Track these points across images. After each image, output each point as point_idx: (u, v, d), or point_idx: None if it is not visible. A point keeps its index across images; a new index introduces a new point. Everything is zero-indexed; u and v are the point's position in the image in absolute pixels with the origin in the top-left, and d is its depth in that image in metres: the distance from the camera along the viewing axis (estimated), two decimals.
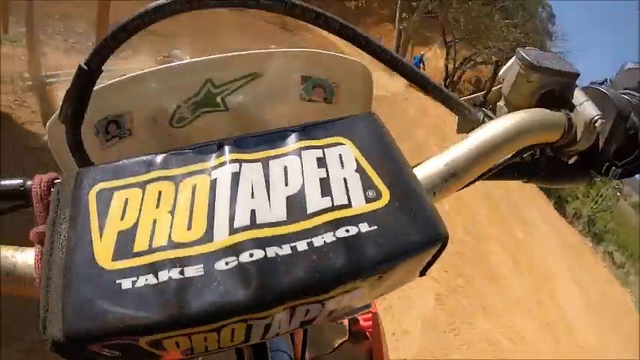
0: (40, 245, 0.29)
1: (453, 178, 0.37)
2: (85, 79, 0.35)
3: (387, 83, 10.69)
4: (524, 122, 0.41)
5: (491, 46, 17.08)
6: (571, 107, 0.45)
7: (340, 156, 0.31)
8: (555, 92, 0.45)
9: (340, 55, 0.50)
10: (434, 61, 19.40)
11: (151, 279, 0.25)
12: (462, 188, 0.41)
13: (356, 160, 0.31)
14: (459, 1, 16.22)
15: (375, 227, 0.27)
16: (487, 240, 5.36)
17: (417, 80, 0.43)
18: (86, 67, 0.35)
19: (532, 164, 0.50)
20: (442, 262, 4.05)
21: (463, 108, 0.46)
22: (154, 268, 0.25)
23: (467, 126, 0.46)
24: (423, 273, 0.33)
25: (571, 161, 0.49)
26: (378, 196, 0.29)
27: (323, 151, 0.31)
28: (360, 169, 0.30)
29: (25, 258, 0.31)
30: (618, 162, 0.47)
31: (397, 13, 17.96)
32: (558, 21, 23.00)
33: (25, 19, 5.12)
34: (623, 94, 0.47)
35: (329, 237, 0.27)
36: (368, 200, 0.28)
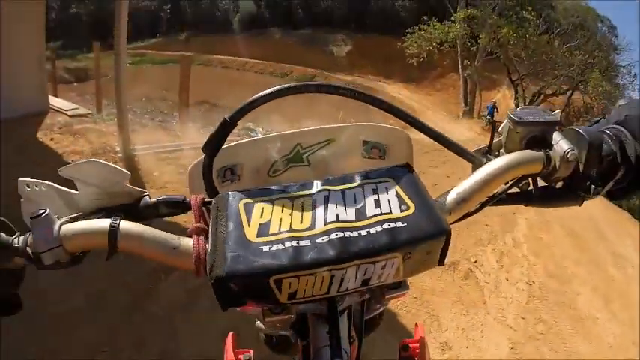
0: (197, 235, 0.50)
1: (463, 202, 0.55)
2: (225, 128, 0.54)
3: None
4: (510, 161, 0.57)
5: (558, 75, 16.61)
6: (550, 146, 0.58)
7: (386, 188, 0.51)
8: (537, 137, 0.59)
9: (390, 126, 0.71)
10: (504, 102, 18.88)
11: (279, 245, 0.44)
12: (476, 212, 0.60)
13: (395, 190, 0.51)
14: (517, 37, 16.06)
15: (406, 224, 0.46)
16: (573, 281, 4.66)
17: (432, 135, 0.62)
18: (229, 120, 0.54)
19: (527, 192, 0.62)
20: (518, 308, 3.73)
21: (471, 155, 0.64)
22: (281, 241, 0.45)
23: (476, 168, 0.61)
24: (441, 262, 0.49)
25: (560, 186, 0.61)
26: (408, 208, 0.48)
27: (376, 186, 0.51)
28: (398, 195, 0.50)
29: (185, 242, 0.50)
30: (601, 183, 0.59)
31: (459, 62, 18.31)
32: (620, 31, 21.49)
33: (116, 101, 5.82)
34: (608, 128, 0.61)
35: (379, 228, 0.46)
36: (402, 210, 0.48)
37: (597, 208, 7.99)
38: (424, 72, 22.57)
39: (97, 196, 0.58)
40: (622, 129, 0.61)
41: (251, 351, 0.69)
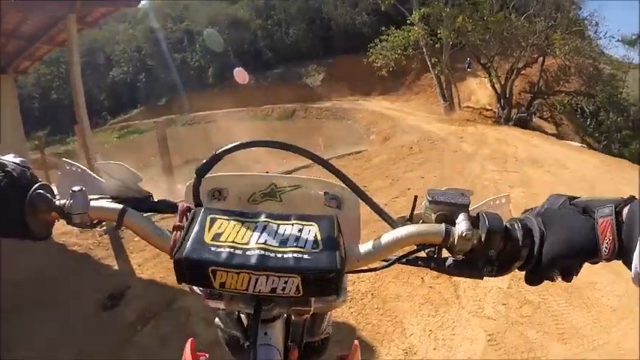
0: (177, 230, 0.70)
1: (370, 254, 0.70)
2: (212, 160, 0.74)
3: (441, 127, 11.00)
4: (415, 229, 0.69)
5: (524, 47, 16.46)
6: (454, 224, 0.68)
7: (309, 230, 0.66)
8: (446, 215, 0.70)
9: (344, 185, 0.84)
10: (481, 88, 19.41)
11: (221, 249, 0.61)
12: (387, 266, 0.74)
13: (315, 233, 0.65)
14: (474, 23, 16.15)
15: (310, 257, 0.61)
16: None
17: (358, 193, 0.77)
18: (217, 154, 0.74)
19: (433, 258, 0.72)
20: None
21: (392, 220, 0.76)
22: (224, 247, 0.61)
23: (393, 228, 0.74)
24: (336, 293, 0.62)
25: (461, 259, 0.69)
26: (317, 247, 0.63)
27: (302, 227, 0.66)
28: (315, 237, 0.64)
29: (166, 233, 0.72)
30: (503, 265, 0.66)
31: (428, 61, 18.56)
32: None
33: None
34: (522, 217, 0.70)
35: (289, 255, 0.61)
36: (312, 248, 0.62)
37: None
38: (398, 80, 23.20)
39: (117, 188, 0.82)
40: (533, 220, 0.68)
41: (207, 354, 0.86)
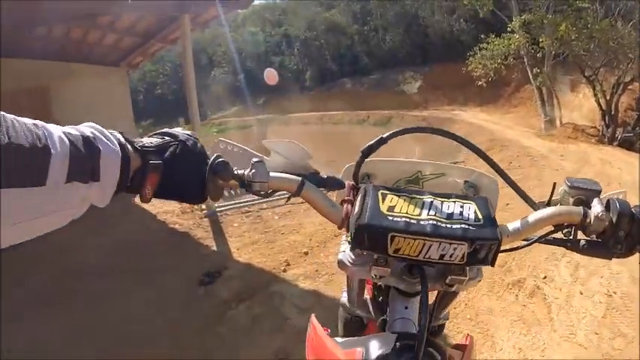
0: (347, 204, 0.78)
1: (518, 231, 0.78)
2: (380, 142, 0.84)
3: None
4: (556, 210, 0.78)
5: (632, 58, 14.80)
6: (589, 207, 0.77)
7: (469, 207, 0.73)
8: (582, 199, 0.79)
9: (486, 173, 0.93)
10: (585, 102, 18.20)
11: (399, 219, 0.68)
12: (527, 245, 0.82)
13: (474, 210, 0.73)
14: (578, 30, 14.80)
15: (474, 228, 0.68)
16: None
17: (505, 178, 0.88)
18: (384, 137, 0.84)
19: (569, 239, 0.79)
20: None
21: (532, 202, 0.85)
22: (400, 217, 0.69)
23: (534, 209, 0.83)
24: (492, 263, 0.70)
25: (595, 239, 0.77)
26: (479, 221, 0.70)
27: (463, 204, 0.75)
28: (475, 212, 0.72)
29: (337, 206, 0.81)
30: (625, 243, 0.74)
31: (528, 72, 17.56)
32: None
33: None
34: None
35: (457, 226, 0.68)
36: (475, 221, 0.70)
37: None
38: (497, 90, 22.16)
39: (283, 164, 0.87)
40: None
41: (328, 329, 0.87)
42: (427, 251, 0.68)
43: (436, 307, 0.93)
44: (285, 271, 4.70)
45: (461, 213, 0.73)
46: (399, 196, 0.75)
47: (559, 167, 9.46)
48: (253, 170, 0.79)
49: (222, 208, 6.58)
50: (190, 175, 0.76)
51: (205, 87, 33.46)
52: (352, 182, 0.85)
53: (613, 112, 15.73)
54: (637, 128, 16.33)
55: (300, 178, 0.81)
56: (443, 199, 0.76)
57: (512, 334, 3.38)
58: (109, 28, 8.40)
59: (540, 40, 16.10)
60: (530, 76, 17.65)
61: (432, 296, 0.86)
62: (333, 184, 0.87)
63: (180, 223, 6.13)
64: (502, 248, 0.74)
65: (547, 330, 3.39)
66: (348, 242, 0.78)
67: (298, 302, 3.94)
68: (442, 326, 1.07)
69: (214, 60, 37.95)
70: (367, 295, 1.12)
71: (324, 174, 0.88)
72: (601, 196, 0.80)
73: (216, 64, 37.80)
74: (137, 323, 3.74)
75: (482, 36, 18.22)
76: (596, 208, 0.76)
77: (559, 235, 0.81)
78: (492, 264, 0.70)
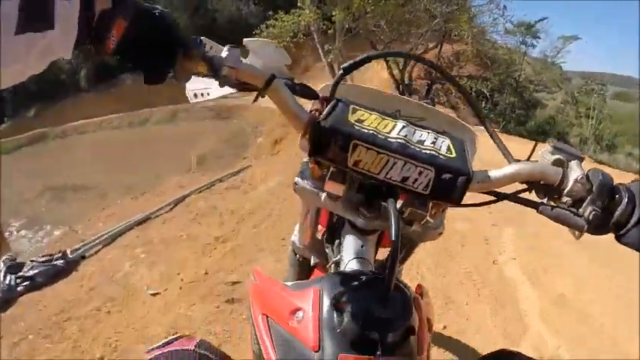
0: (315, 111, 0.73)
1: (489, 179, 0.72)
2: (362, 60, 0.78)
3: None
4: (535, 166, 0.73)
5: (423, 33, 15.94)
6: (568, 168, 0.72)
7: (442, 140, 0.72)
8: (563, 161, 0.73)
9: (464, 123, 1.00)
10: (376, 76, 18.47)
11: (366, 130, 0.67)
12: (497, 201, 0.77)
13: (448, 143, 0.72)
14: (374, 4, 14.92)
15: (444, 158, 0.67)
16: None
17: (484, 124, 0.82)
18: (369, 56, 0.80)
19: (541, 202, 0.74)
20: None
21: (510, 156, 0.78)
22: (368, 129, 0.67)
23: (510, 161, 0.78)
24: (459, 200, 0.67)
25: (569, 203, 0.71)
26: (451, 154, 0.69)
27: (437, 135, 0.73)
28: (448, 146, 0.71)
29: (305, 112, 0.74)
30: (601, 217, 0.68)
31: (319, 49, 16.93)
32: None
33: None
34: (630, 184, 0.70)
35: (427, 151, 0.66)
36: (446, 152, 0.69)
37: None
38: (291, 68, 21.62)
39: (259, 67, 0.83)
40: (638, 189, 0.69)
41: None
42: (390, 169, 0.66)
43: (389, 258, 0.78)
44: None
45: (433, 143, 0.71)
46: (370, 114, 0.75)
47: None
48: (227, 52, 0.78)
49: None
50: (159, 36, 0.73)
51: None
52: (326, 95, 0.79)
53: (407, 82, 17.36)
54: (429, 95, 18.72)
55: (270, 73, 0.77)
56: (417, 128, 0.75)
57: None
58: None
59: (333, 14, 15.80)
60: (322, 53, 17.07)
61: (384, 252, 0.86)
62: (307, 92, 0.84)
63: None
64: (470, 202, 0.75)
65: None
66: (308, 163, 0.79)
67: None
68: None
69: None
70: (319, 237, 1.12)
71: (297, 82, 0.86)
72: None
73: None
74: None
75: (269, 13, 17.69)
76: (576, 171, 0.72)
77: (532, 196, 0.78)
78: (459, 200, 0.68)
